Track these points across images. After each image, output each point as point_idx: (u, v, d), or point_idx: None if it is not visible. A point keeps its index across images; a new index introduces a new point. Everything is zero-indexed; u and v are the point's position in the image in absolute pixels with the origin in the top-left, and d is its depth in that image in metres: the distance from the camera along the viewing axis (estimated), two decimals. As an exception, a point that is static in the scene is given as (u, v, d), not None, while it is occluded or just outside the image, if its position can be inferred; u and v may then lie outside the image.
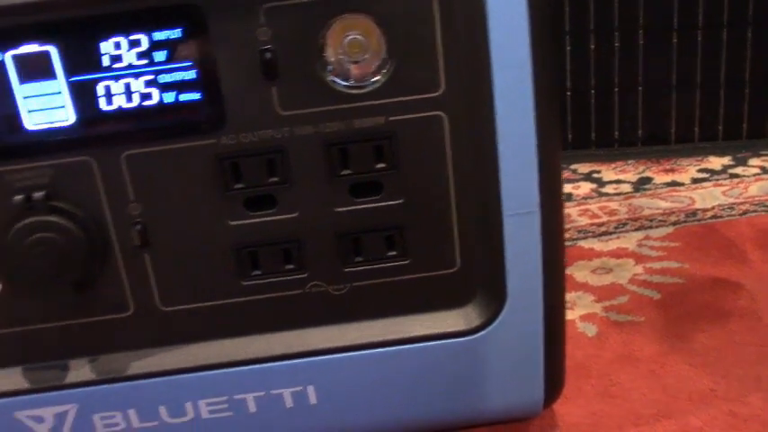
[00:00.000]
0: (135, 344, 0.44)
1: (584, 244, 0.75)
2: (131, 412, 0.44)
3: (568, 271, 0.69)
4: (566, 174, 0.94)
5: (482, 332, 0.44)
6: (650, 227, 0.78)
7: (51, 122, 0.39)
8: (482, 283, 0.43)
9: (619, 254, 0.72)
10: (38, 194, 0.40)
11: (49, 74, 0.38)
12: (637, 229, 0.78)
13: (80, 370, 0.44)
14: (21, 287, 0.41)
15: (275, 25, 0.38)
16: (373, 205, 0.42)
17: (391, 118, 0.40)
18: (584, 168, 0.99)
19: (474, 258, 0.43)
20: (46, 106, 0.39)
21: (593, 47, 0.98)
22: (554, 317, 0.44)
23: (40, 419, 0.44)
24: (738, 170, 0.93)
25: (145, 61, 0.39)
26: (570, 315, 0.61)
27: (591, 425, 0.48)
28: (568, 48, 0.95)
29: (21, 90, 0.38)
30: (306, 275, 0.43)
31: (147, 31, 0.38)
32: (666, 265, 0.68)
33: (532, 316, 0.43)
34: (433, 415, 0.46)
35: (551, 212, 0.42)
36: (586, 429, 0.48)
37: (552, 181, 0.41)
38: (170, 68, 0.39)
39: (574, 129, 1.01)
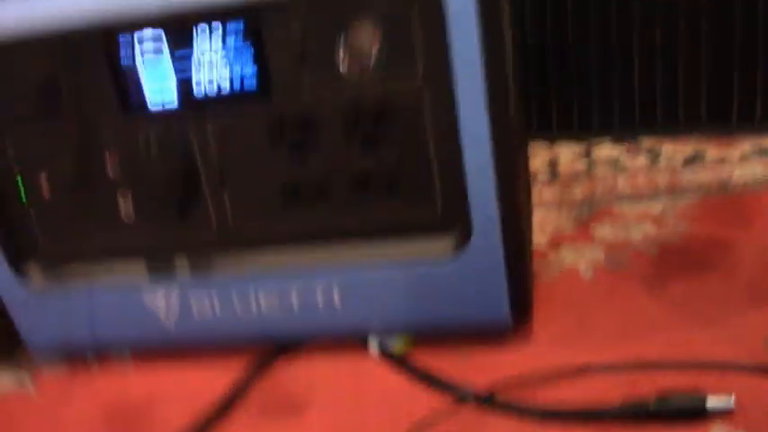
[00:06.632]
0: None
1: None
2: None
3: (595, 228, 0.80)
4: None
5: (455, 259, 0.59)
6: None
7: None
8: (454, 220, 0.58)
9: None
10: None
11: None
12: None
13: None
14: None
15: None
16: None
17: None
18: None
19: (449, 203, 0.58)
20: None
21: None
22: (513, 249, 0.58)
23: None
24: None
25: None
26: (581, 264, 0.73)
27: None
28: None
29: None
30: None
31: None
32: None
33: (493, 248, 0.57)
34: (422, 321, 0.61)
35: (504, 166, 0.55)
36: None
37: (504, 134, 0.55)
38: None
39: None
